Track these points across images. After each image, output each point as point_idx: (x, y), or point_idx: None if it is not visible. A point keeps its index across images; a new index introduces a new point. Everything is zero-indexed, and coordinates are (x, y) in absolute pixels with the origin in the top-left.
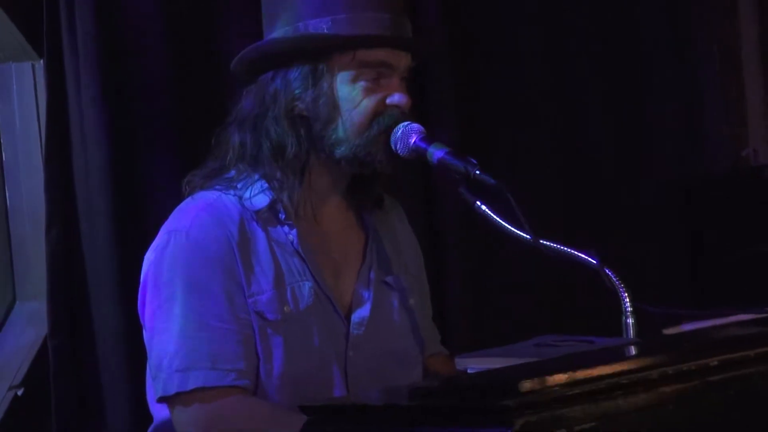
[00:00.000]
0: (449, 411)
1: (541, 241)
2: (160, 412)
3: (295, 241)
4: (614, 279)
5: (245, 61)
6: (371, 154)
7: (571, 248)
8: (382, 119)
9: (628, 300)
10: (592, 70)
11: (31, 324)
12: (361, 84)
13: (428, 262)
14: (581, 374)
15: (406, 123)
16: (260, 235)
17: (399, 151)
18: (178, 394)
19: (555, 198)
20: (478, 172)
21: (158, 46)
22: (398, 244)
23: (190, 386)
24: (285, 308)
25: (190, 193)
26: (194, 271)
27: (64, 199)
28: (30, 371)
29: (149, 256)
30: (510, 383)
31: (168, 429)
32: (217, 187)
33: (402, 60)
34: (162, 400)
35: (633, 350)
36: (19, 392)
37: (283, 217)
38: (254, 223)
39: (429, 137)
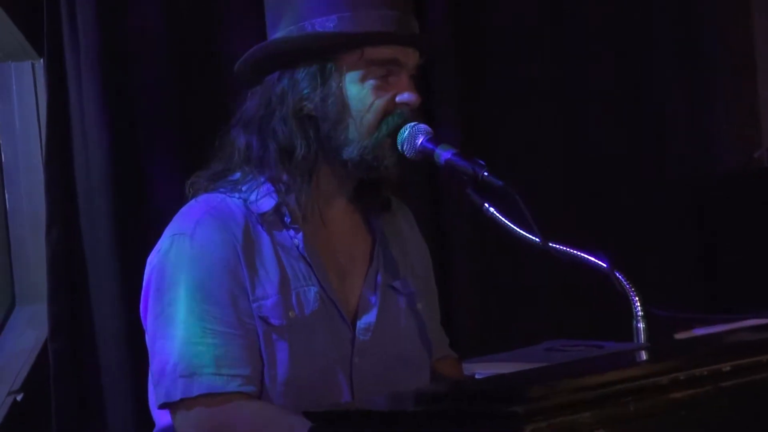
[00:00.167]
0: (456, 417)
1: (550, 244)
2: (162, 418)
3: (300, 245)
4: (624, 282)
5: (250, 61)
6: (378, 158)
7: (581, 251)
8: (391, 118)
9: (638, 304)
10: (600, 69)
11: (31, 327)
12: (371, 83)
13: (435, 264)
14: (591, 380)
15: (413, 124)
16: (265, 238)
17: (406, 153)
18: (182, 400)
19: (563, 199)
20: (486, 173)
21: (160, 44)
22: (406, 248)
23: (195, 392)
24: (290, 313)
25: (193, 195)
26: (198, 275)
27: (64, 200)
28: (30, 375)
29: (152, 260)
30: (518, 389)
31: None
32: (222, 189)
33: (410, 57)
34: (165, 406)
35: (644, 355)
36: (19, 397)
37: (289, 220)
38: (259, 227)
39: (436, 138)
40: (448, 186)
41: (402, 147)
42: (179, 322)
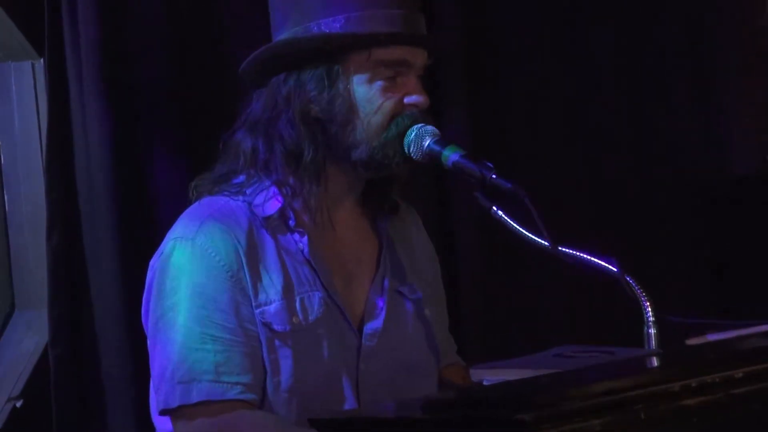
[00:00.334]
0: (464, 425)
1: (560, 248)
2: (162, 424)
3: (305, 250)
4: (635, 287)
5: (255, 62)
6: (388, 156)
7: (591, 255)
8: (400, 120)
9: (649, 309)
10: (611, 70)
11: (31, 333)
12: (378, 84)
13: (443, 268)
14: (601, 387)
15: (420, 125)
16: (269, 242)
17: (413, 155)
18: (180, 407)
19: (573, 203)
20: (494, 176)
21: (162, 44)
22: (413, 252)
23: (194, 399)
24: (293, 319)
25: (197, 198)
26: (200, 280)
27: (65, 203)
28: (30, 382)
29: (154, 264)
30: (527, 396)
31: None
32: (226, 192)
33: (418, 57)
34: (164, 412)
35: (655, 362)
36: (18, 404)
37: (293, 224)
38: (263, 231)
39: (444, 140)
40: (455, 188)
41: (409, 149)
42: (179, 327)
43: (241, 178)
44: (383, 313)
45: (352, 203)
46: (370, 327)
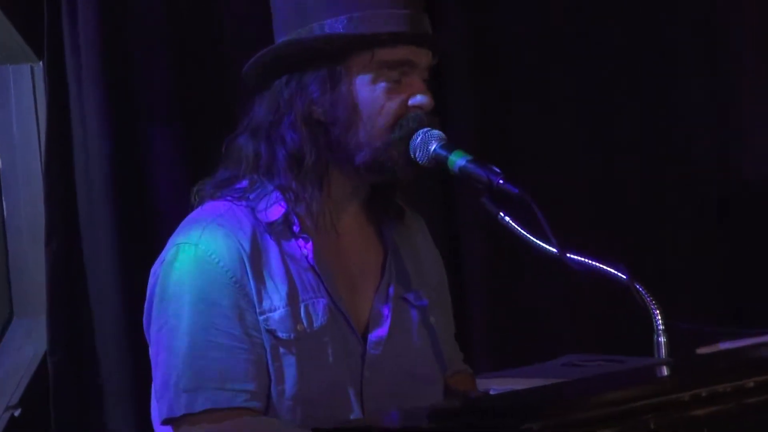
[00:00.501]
0: None
1: (568, 255)
2: None
3: (309, 256)
4: (645, 295)
5: (258, 65)
6: (392, 159)
7: (600, 262)
8: (405, 122)
9: (659, 317)
10: (620, 70)
11: (29, 341)
12: (382, 85)
13: (449, 275)
14: (610, 396)
15: (425, 129)
16: (273, 248)
17: (418, 159)
18: (185, 415)
19: (582, 208)
20: (501, 181)
21: (163, 48)
22: (419, 259)
23: (198, 408)
24: (298, 326)
25: (199, 203)
26: (203, 286)
27: (64, 208)
28: (28, 390)
29: (156, 270)
30: (534, 405)
31: None
32: (229, 197)
33: (423, 58)
34: (168, 422)
35: (665, 370)
36: (17, 413)
37: (298, 229)
38: (267, 236)
39: (450, 144)
40: (461, 193)
41: (414, 153)
42: (183, 335)
43: (244, 183)
44: (388, 320)
45: (357, 209)
46: (375, 335)
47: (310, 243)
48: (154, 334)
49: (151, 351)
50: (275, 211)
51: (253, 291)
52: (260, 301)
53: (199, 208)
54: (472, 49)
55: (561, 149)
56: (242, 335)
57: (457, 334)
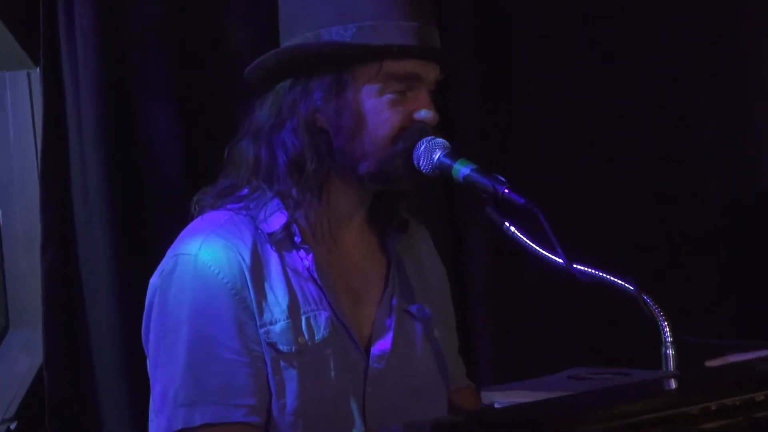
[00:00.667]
0: None
1: (575, 266)
2: None
3: (311, 267)
4: (653, 307)
5: (261, 68)
6: (396, 169)
7: (607, 273)
8: (408, 133)
9: (667, 329)
10: (632, 84)
11: (25, 353)
12: (388, 97)
13: (454, 286)
14: (616, 410)
15: (429, 137)
16: (274, 259)
17: (422, 168)
18: (183, 430)
19: (589, 218)
20: (506, 190)
21: (163, 53)
22: (423, 271)
23: (197, 422)
24: (299, 339)
25: (199, 213)
26: (203, 298)
27: (60, 217)
28: (24, 403)
29: (154, 281)
30: (539, 420)
31: None
32: (229, 206)
33: (431, 72)
34: None
35: (673, 384)
36: (12, 426)
37: (299, 240)
38: (268, 247)
39: (454, 153)
40: (467, 203)
41: (418, 162)
42: (182, 348)
43: (245, 190)
44: (391, 333)
45: (360, 219)
46: (377, 348)
47: (312, 254)
48: (152, 346)
49: (150, 364)
50: (276, 221)
51: (254, 303)
52: (261, 314)
53: (199, 217)
54: (483, 60)
55: (571, 161)
56: (242, 348)
57: (461, 346)
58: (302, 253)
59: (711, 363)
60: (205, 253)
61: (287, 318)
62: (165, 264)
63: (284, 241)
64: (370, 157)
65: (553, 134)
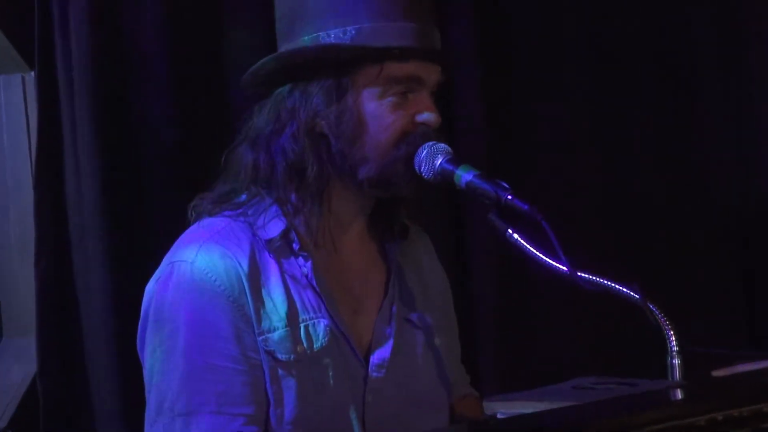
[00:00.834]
0: None
1: (579, 274)
2: None
3: (309, 274)
4: (659, 315)
5: (259, 73)
6: (397, 174)
7: (612, 281)
8: (411, 138)
9: (673, 338)
10: (640, 90)
11: (19, 362)
12: (389, 100)
13: (456, 294)
14: (621, 421)
15: (431, 143)
16: (272, 266)
17: (424, 174)
18: None
19: (594, 225)
20: (509, 197)
21: (159, 56)
22: (424, 278)
23: None
24: (298, 348)
25: (196, 219)
26: (199, 307)
27: (55, 224)
28: (17, 413)
29: (151, 288)
30: (543, 430)
31: None
32: (227, 212)
33: (432, 74)
34: None
35: (679, 394)
36: None
37: (297, 247)
38: (266, 254)
39: (456, 158)
40: (471, 209)
41: (419, 168)
42: (178, 357)
43: (243, 196)
44: (391, 342)
45: (360, 226)
46: (377, 357)
47: (310, 261)
48: (148, 355)
49: (145, 373)
50: (274, 228)
51: (252, 311)
52: (259, 322)
53: (196, 224)
54: (485, 62)
55: (576, 166)
56: (240, 357)
57: (463, 355)
58: (301, 260)
59: (718, 373)
60: (202, 260)
61: (285, 326)
62: (161, 271)
63: (283, 248)
64: (371, 162)
65: (553, 135)
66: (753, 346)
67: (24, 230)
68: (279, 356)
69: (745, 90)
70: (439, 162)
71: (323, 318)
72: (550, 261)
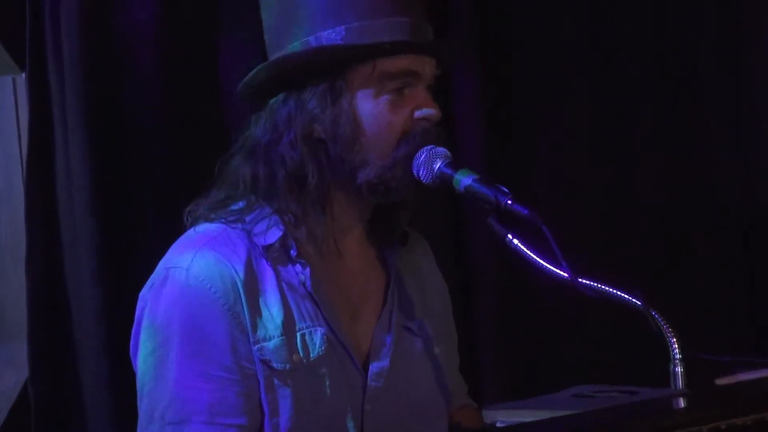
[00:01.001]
0: None
1: (580, 280)
2: None
3: (307, 282)
4: (661, 322)
5: (252, 83)
6: (396, 179)
7: (614, 288)
8: (411, 138)
9: (676, 346)
10: (641, 91)
11: (9, 368)
12: (385, 98)
13: (456, 301)
14: (623, 429)
15: (429, 147)
16: (269, 274)
17: (422, 178)
18: None
19: (596, 231)
20: (509, 201)
21: (151, 59)
22: (423, 286)
23: None
24: (294, 357)
25: (192, 225)
26: (193, 314)
27: (46, 228)
28: (9, 420)
29: (144, 295)
30: None
31: None
32: (223, 219)
33: (427, 67)
34: None
35: (681, 402)
36: None
37: (295, 254)
38: (263, 261)
39: (455, 162)
40: (472, 214)
41: (418, 172)
42: (171, 364)
43: (241, 204)
44: (390, 351)
45: (360, 232)
46: (376, 366)
47: (308, 269)
48: (141, 362)
49: (138, 381)
50: (272, 235)
51: (247, 319)
52: (255, 330)
53: (192, 229)
54: (484, 57)
55: (577, 169)
56: (234, 366)
57: (463, 360)
58: (298, 267)
59: (721, 381)
60: (197, 266)
61: (282, 335)
62: (155, 277)
63: (280, 255)
64: (371, 165)
65: (553, 135)
66: (754, 347)
67: (15, 233)
68: (275, 365)
69: (745, 90)
70: (437, 166)
71: (320, 326)
72: (551, 267)
